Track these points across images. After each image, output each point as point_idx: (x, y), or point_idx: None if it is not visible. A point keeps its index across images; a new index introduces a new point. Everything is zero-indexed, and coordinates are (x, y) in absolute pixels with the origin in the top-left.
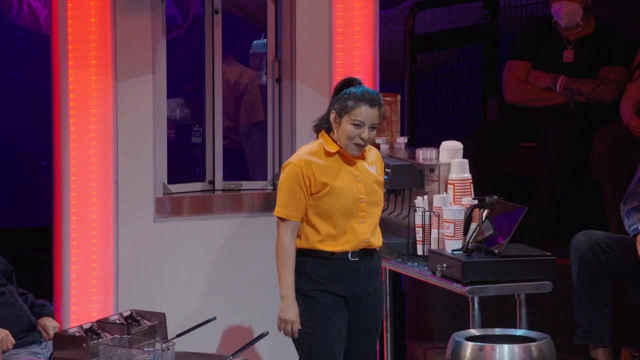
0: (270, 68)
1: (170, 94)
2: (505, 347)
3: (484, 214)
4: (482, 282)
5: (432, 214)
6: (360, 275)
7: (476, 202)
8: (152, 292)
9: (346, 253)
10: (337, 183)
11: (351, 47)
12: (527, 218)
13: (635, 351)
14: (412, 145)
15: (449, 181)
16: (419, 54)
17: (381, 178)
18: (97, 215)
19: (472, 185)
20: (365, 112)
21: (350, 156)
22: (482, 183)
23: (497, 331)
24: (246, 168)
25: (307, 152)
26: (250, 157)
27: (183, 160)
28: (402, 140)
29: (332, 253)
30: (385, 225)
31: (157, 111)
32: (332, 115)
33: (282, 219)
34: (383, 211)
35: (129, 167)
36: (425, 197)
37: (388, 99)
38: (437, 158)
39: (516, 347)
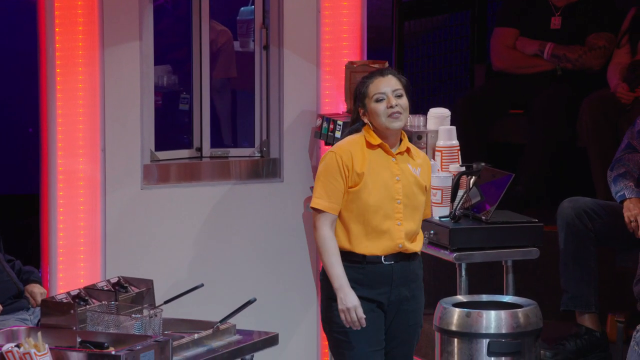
0: (257, 35)
1: (158, 61)
2: (492, 313)
3: (472, 181)
4: (469, 248)
5: None
6: (395, 279)
7: (463, 169)
8: (139, 259)
9: (379, 257)
10: (372, 177)
11: (339, 14)
12: (515, 185)
13: (621, 317)
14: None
15: (436, 148)
16: (406, 21)
17: (425, 183)
18: (85, 182)
19: (459, 152)
20: (380, 83)
21: (392, 153)
22: (469, 150)
23: (484, 297)
24: (234, 135)
25: (349, 142)
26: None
27: (170, 127)
28: None
29: (364, 256)
30: None
31: (144, 78)
32: (360, 112)
33: (319, 211)
34: None
35: (116, 134)
36: None
37: (375, 65)
38: (425, 125)
39: (503, 313)
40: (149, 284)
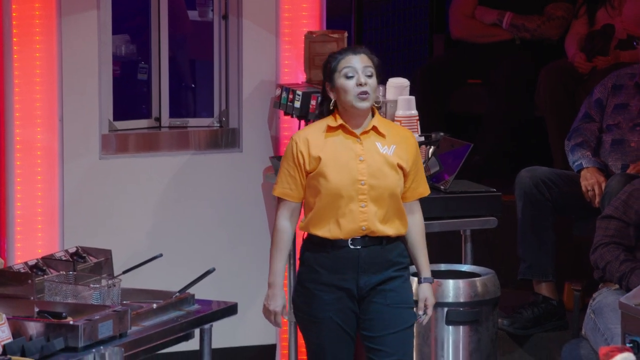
0: (216, 4)
1: (116, 30)
2: (451, 282)
3: (430, 150)
4: (428, 218)
5: None
6: (362, 265)
7: (423, 139)
8: (98, 229)
9: (345, 241)
10: (331, 160)
11: None
12: (473, 155)
13: (577, 285)
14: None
15: (395, 118)
16: None
17: (400, 161)
18: (42, 152)
19: (418, 122)
20: (352, 59)
21: (355, 133)
22: (428, 120)
23: (443, 267)
24: (193, 105)
25: (309, 126)
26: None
27: (129, 97)
28: None
29: (330, 240)
30: None
31: (102, 47)
32: (327, 87)
33: (279, 199)
34: None
35: (74, 104)
36: None
37: (335, 35)
38: (384, 95)
39: (461, 282)
40: (107, 254)
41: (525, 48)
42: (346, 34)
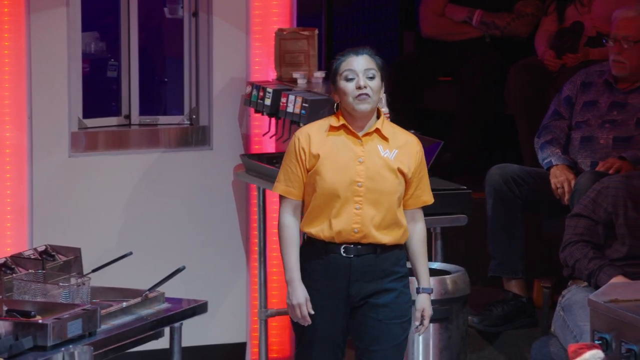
0: (186, 2)
1: (85, 28)
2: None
3: None
4: None
5: None
6: (354, 273)
7: None
8: (67, 227)
9: (338, 247)
10: (330, 159)
11: None
12: (444, 152)
13: (547, 283)
14: (329, 79)
15: None
16: None
17: (401, 165)
18: (11, 150)
19: (389, 119)
20: (352, 61)
21: (356, 134)
22: (399, 117)
23: None
24: (163, 103)
25: (313, 124)
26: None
27: (98, 94)
28: (319, 74)
29: (325, 244)
30: None
31: (71, 45)
32: (332, 90)
33: (281, 196)
34: None
35: (43, 101)
36: None
37: (305, 33)
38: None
39: (431, 280)
40: (76, 252)
41: (495, 46)
42: (317, 32)
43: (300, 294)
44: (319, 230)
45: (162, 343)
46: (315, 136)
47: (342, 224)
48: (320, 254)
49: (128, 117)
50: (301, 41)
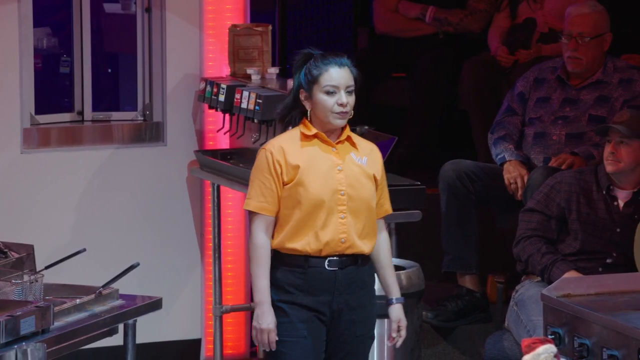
0: None
1: (37, 23)
2: (375, 275)
3: None
4: None
5: None
6: (339, 286)
7: None
8: (20, 224)
9: (322, 260)
10: (310, 169)
11: None
12: (397, 148)
13: (500, 278)
14: (283, 75)
15: None
16: None
17: (375, 172)
18: None
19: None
20: (335, 75)
21: (331, 142)
22: (353, 113)
23: None
24: (116, 99)
25: (282, 137)
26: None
27: (51, 90)
28: (273, 70)
29: (307, 258)
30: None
31: (23, 40)
32: (302, 95)
33: (252, 213)
34: (254, 141)
35: None
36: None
37: (259, 29)
38: None
39: None
40: (29, 249)
41: (449, 42)
42: (270, 28)
43: (270, 319)
44: (304, 244)
45: (116, 340)
46: (289, 147)
47: (329, 234)
48: (301, 270)
49: (81, 113)
50: (255, 37)
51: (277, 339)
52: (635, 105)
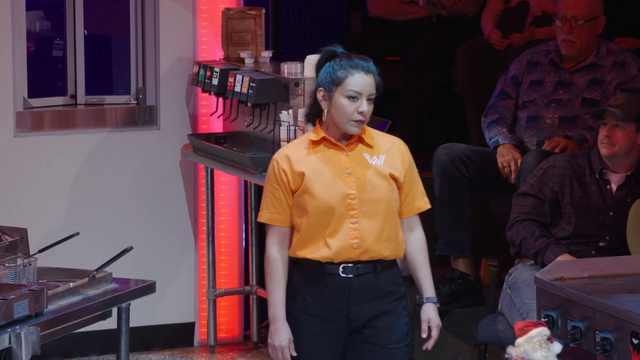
0: None
1: (30, 7)
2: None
3: None
4: None
5: (297, 128)
6: (353, 295)
7: None
8: (13, 207)
9: (337, 267)
10: (315, 174)
11: None
12: (391, 131)
13: (494, 261)
14: (276, 59)
15: None
16: None
17: (393, 170)
18: None
19: None
20: (360, 81)
21: (340, 145)
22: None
23: None
24: (110, 82)
25: (290, 145)
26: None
27: (44, 74)
28: (266, 54)
29: (321, 265)
30: (250, 139)
31: (15, 24)
32: (320, 93)
33: (267, 225)
34: (248, 125)
35: None
36: (290, 111)
37: (252, 12)
38: (302, 72)
39: None
40: (22, 233)
41: (442, 25)
42: (263, 11)
43: (284, 335)
44: (315, 252)
45: (109, 323)
46: (294, 155)
47: (340, 241)
48: (316, 276)
49: (74, 96)
50: (248, 20)
51: (294, 354)
52: (630, 89)
